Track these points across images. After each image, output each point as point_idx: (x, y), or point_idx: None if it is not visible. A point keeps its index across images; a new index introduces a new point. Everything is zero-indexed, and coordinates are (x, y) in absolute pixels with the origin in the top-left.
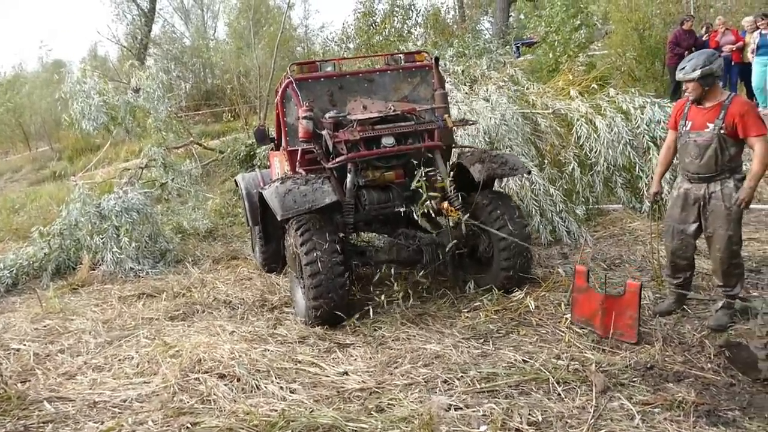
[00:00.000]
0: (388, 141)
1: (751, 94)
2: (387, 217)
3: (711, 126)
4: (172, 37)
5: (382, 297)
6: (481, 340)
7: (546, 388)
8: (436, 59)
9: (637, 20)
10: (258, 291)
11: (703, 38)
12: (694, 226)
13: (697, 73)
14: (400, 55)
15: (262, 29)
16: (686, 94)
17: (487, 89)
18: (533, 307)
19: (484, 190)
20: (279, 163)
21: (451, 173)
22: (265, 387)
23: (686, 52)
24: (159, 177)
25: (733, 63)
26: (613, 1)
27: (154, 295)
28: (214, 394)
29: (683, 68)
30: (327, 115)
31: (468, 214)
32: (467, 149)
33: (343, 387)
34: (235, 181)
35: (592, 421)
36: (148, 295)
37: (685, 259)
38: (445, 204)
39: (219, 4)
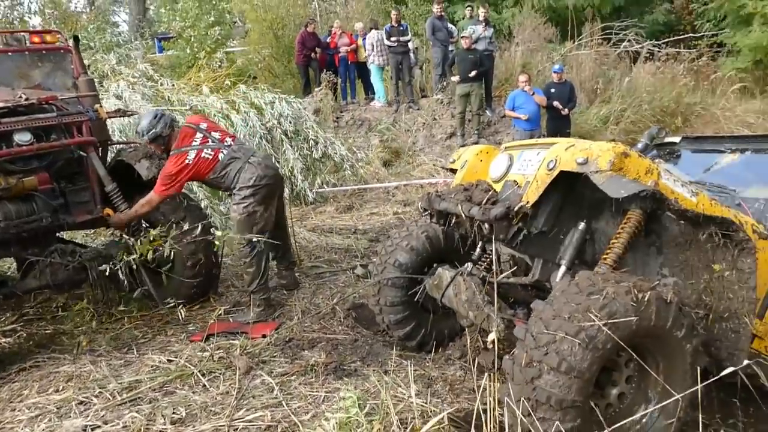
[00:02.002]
0: (23, 137)
1: (368, 89)
2: (33, 234)
3: None
4: None
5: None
6: (125, 349)
7: (191, 382)
8: (76, 39)
9: (271, 20)
10: None
11: (328, 40)
12: None
13: (146, 138)
14: (24, 34)
15: None
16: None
17: (119, 86)
18: (184, 315)
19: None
20: None
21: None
22: None
23: (312, 53)
24: None
25: (350, 62)
26: (248, 0)
27: None
28: None
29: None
30: None
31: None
32: (130, 144)
33: None
34: None
35: (235, 402)
36: None
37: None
38: (108, 210)
39: None
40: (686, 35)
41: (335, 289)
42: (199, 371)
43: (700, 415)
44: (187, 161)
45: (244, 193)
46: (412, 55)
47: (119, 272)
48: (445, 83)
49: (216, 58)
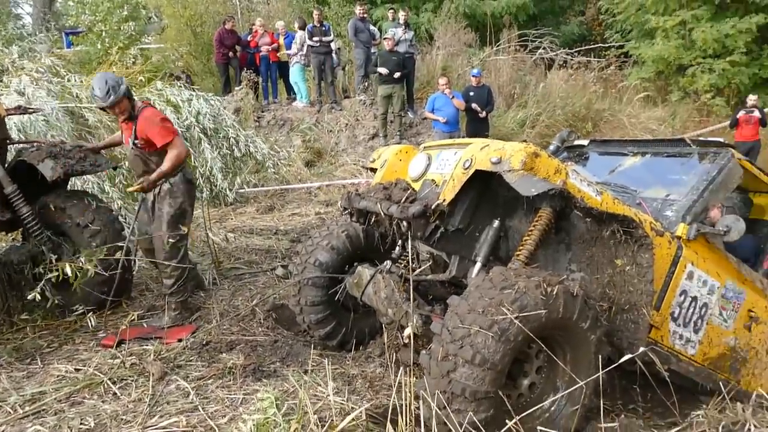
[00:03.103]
0: None
1: (290, 89)
2: None
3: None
4: None
5: None
6: (28, 360)
7: (101, 391)
8: None
9: (189, 16)
10: None
11: (248, 38)
12: None
13: (114, 98)
14: None
15: None
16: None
17: (21, 81)
18: (94, 323)
19: (57, 190)
20: None
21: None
22: None
23: (230, 52)
24: None
25: (271, 62)
26: None
27: None
28: None
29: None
30: None
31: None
32: (33, 144)
33: None
34: None
35: (148, 409)
36: None
37: None
38: (134, 187)
39: None
40: (597, 45)
41: (255, 290)
42: (110, 379)
43: (601, 402)
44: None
45: (182, 189)
46: (334, 55)
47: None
48: (366, 84)
49: (130, 54)
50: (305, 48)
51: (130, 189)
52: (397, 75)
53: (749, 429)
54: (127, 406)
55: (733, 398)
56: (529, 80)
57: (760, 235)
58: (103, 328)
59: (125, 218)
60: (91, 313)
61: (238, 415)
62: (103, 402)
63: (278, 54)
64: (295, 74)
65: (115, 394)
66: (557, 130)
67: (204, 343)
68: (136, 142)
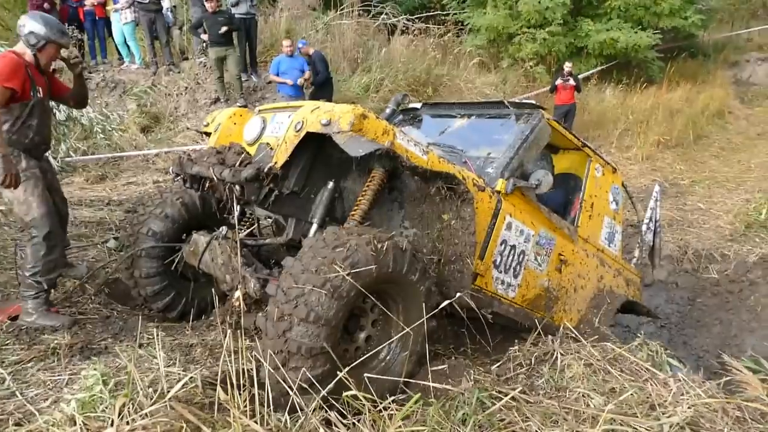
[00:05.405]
0: None
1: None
2: None
3: None
4: None
5: None
6: None
7: None
8: None
9: None
10: None
11: None
12: None
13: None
14: None
15: None
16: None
17: None
18: None
19: None
20: None
21: None
22: None
23: (45, 3)
24: None
25: (97, 18)
26: None
27: None
28: None
29: None
30: None
31: None
32: None
33: None
34: None
35: None
36: None
37: None
38: None
39: None
40: (436, 12)
41: (85, 264)
42: None
43: (428, 346)
44: None
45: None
46: (170, 13)
47: None
48: (205, 45)
49: None
50: (126, 1)
51: None
52: (222, 31)
53: (557, 357)
54: None
55: (546, 332)
56: (372, 45)
57: (567, 188)
58: None
59: None
60: None
61: (62, 396)
62: None
63: (106, 9)
64: (126, 33)
65: None
66: None
67: (23, 324)
68: None
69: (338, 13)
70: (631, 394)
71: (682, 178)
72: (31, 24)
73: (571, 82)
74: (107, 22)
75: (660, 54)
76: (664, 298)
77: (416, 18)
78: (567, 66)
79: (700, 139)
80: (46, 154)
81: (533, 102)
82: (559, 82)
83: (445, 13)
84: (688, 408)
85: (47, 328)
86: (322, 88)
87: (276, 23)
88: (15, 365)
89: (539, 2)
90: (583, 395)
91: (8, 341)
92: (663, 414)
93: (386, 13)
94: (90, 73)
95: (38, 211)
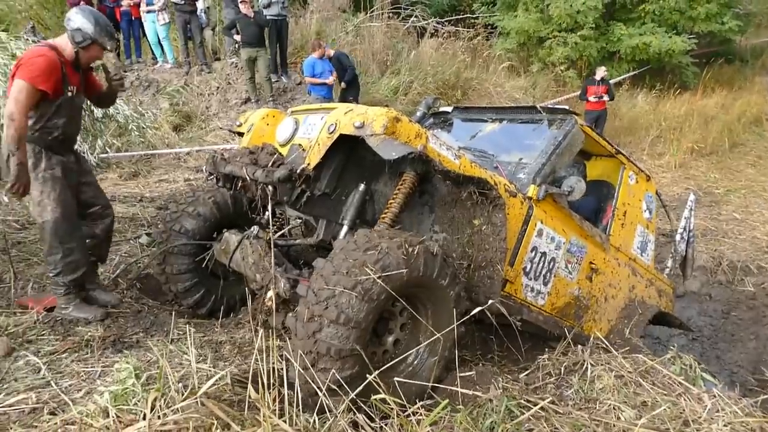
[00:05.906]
0: None
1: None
2: None
3: None
4: None
5: None
6: None
7: None
8: None
9: None
10: None
11: None
12: None
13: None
14: None
15: None
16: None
17: None
18: None
19: None
20: None
21: None
22: None
23: (85, 2)
24: None
25: (133, 18)
26: None
27: None
28: None
29: None
30: None
31: None
32: None
33: None
34: None
35: None
36: None
37: None
38: None
39: None
40: (465, 15)
41: (117, 259)
42: None
43: (457, 352)
44: None
45: None
46: (203, 14)
47: None
48: (238, 46)
49: None
50: (163, 3)
51: None
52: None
53: (587, 367)
54: None
55: (576, 342)
56: (402, 48)
57: (599, 195)
58: None
59: None
60: None
61: (95, 388)
62: None
63: (141, 9)
64: (160, 33)
65: None
66: None
67: (58, 315)
68: None
69: (368, 15)
70: (665, 409)
71: (716, 187)
72: (79, 20)
73: (603, 86)
74: (142, 23)
75: (695, 59)
76: (696, 310)
77: (446, 21)
78: (601, 71)
79: (736, 147)
80: (76, 151)
81: (566, 107)
82: (590, 87)
83: (474, 16)
84: (724, 425)
85: (81, 320)
86: (350, 86)
87: (306, 25)
88: (50, 355)
89: (571, 6)
90: (613, 408)
91: (44, 332)
92: (697, 431)
93: (416, 16)
94: (125, 72)
95: (52, 215)
